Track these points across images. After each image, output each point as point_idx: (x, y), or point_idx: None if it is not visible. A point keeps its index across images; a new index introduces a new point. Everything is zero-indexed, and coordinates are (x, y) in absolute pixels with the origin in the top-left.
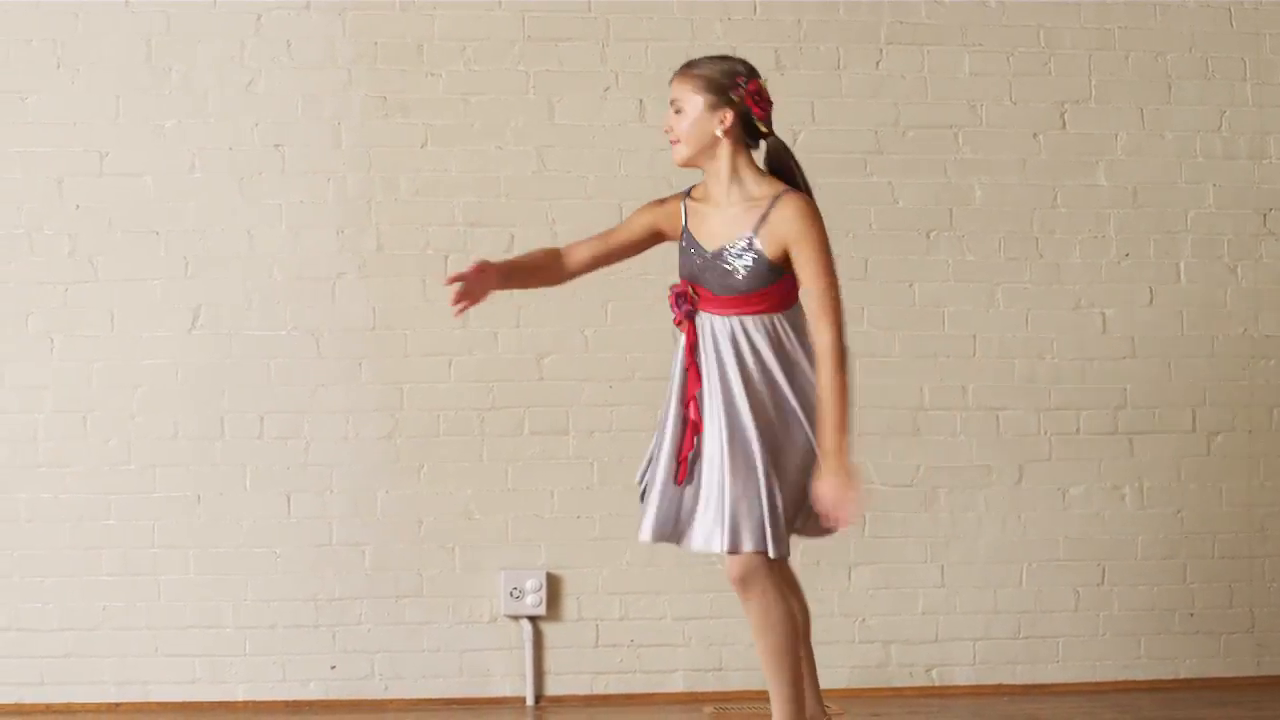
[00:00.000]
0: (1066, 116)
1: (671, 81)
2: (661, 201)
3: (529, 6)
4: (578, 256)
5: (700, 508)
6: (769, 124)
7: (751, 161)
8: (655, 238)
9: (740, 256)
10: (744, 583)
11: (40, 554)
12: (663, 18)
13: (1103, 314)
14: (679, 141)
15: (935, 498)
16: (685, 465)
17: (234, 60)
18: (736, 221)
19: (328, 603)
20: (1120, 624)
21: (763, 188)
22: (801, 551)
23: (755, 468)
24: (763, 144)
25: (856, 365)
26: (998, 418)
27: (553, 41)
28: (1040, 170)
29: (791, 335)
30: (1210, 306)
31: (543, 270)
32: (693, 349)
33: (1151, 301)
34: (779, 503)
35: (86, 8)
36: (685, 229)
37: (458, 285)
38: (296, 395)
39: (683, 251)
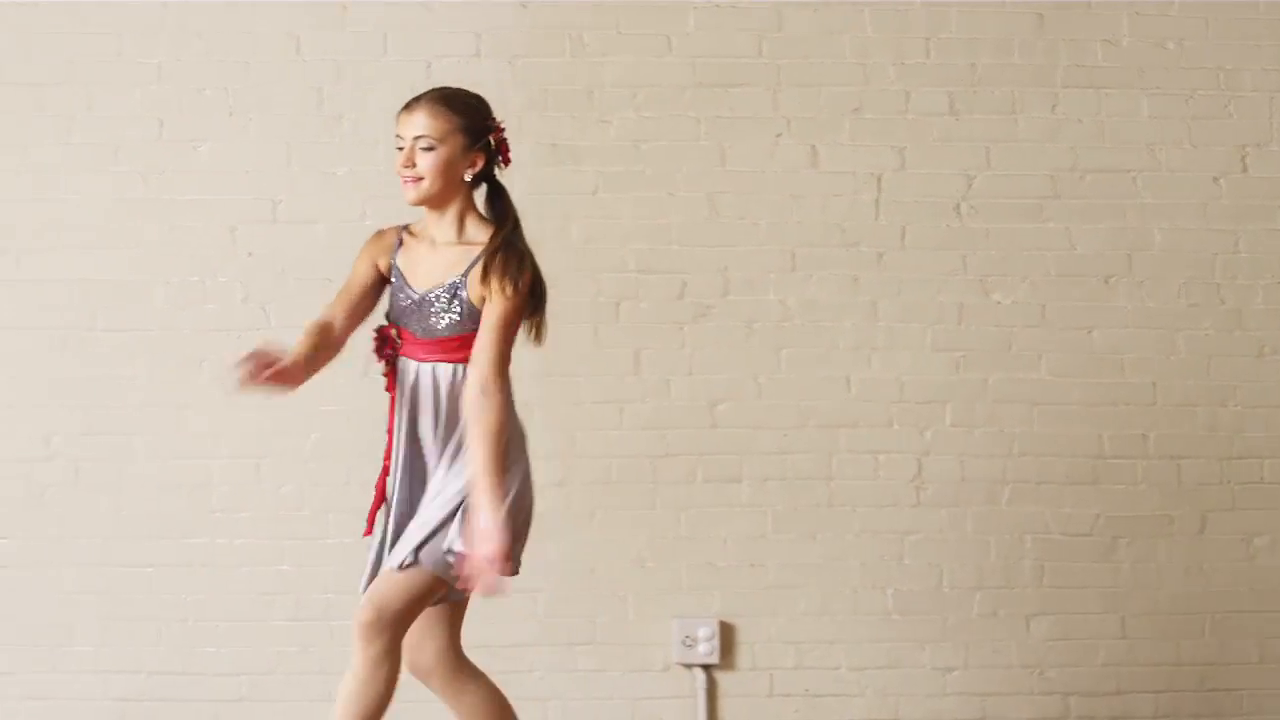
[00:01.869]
0: (1248, 160)
1: (416, 111)
2: (380, 234)
3: (700, 52)
4: (339, 321)
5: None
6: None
7: (474, 204)
8: (377, 283)
9: (447, 302)
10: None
11: (214, 598)
12: (834, 63)
13: None
14: (422, 179)
15: (1115, 547)
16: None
17: None
18: (450, 265)
19: (500, 649)
20: None
21: (482, 232)
22: (980, 601)
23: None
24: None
25: (1035, 412)
26: (1179, 466)
27: (723, 87)
28: (1221, 214)
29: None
30: None
31: (323, 350)
32: (391, 389)
33: None
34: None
35: (258, 57)
36: (395, 266)
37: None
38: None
39: (391, 290)
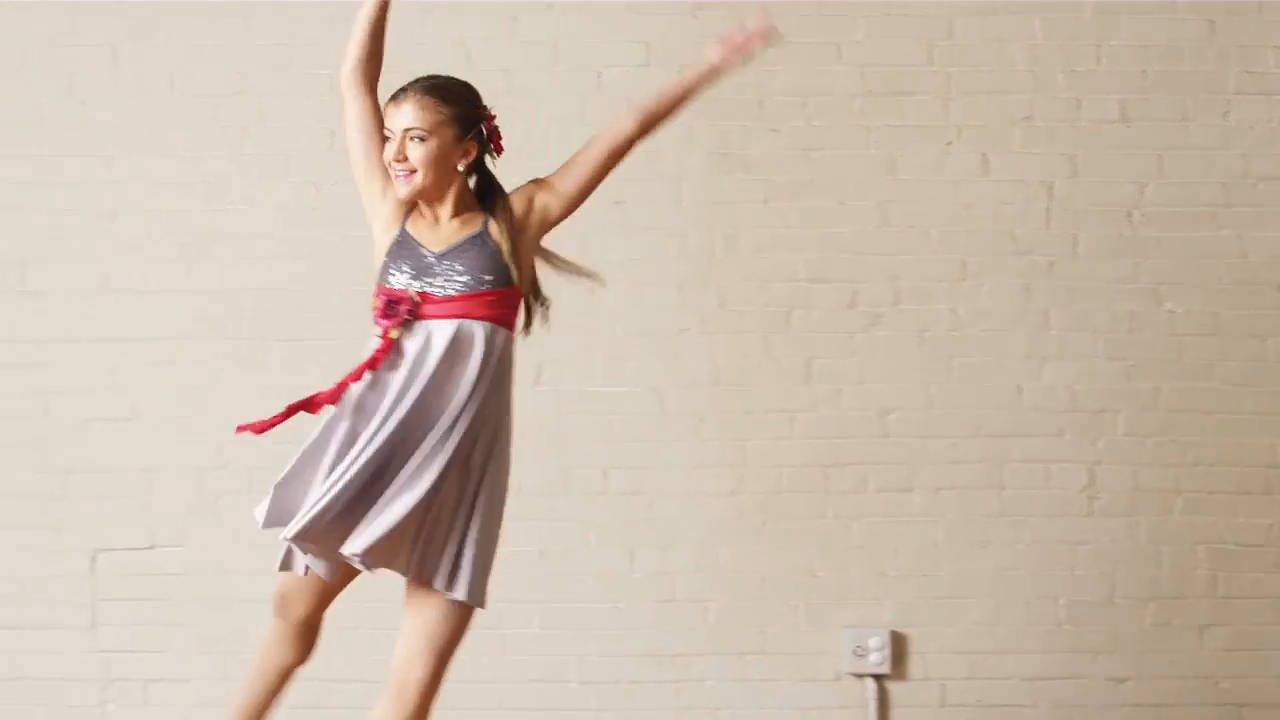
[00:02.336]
0: None
1: (404, 102)
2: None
3: (870, 60)
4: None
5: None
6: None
7: (470, 191)
8: (375, 134)
9: (476, 253)
10: None
11: (388, 606)
12: (1005, 70)
13: None
14: (415, 173)
15: None
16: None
17: (575, 117)
18: (461, 228)
19: (670, 659)
20: None
21: (476, 214)
22: (1153, 611)
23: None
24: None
25: (1208, 421)
26: None
27: (894, 95)
28: None
29: (505, 361)
30: None
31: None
32: (378, 360)
33: None
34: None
35: (429, 67)
36: (404, 228)
37: None
38: (639, 451)
39: (400, 252)
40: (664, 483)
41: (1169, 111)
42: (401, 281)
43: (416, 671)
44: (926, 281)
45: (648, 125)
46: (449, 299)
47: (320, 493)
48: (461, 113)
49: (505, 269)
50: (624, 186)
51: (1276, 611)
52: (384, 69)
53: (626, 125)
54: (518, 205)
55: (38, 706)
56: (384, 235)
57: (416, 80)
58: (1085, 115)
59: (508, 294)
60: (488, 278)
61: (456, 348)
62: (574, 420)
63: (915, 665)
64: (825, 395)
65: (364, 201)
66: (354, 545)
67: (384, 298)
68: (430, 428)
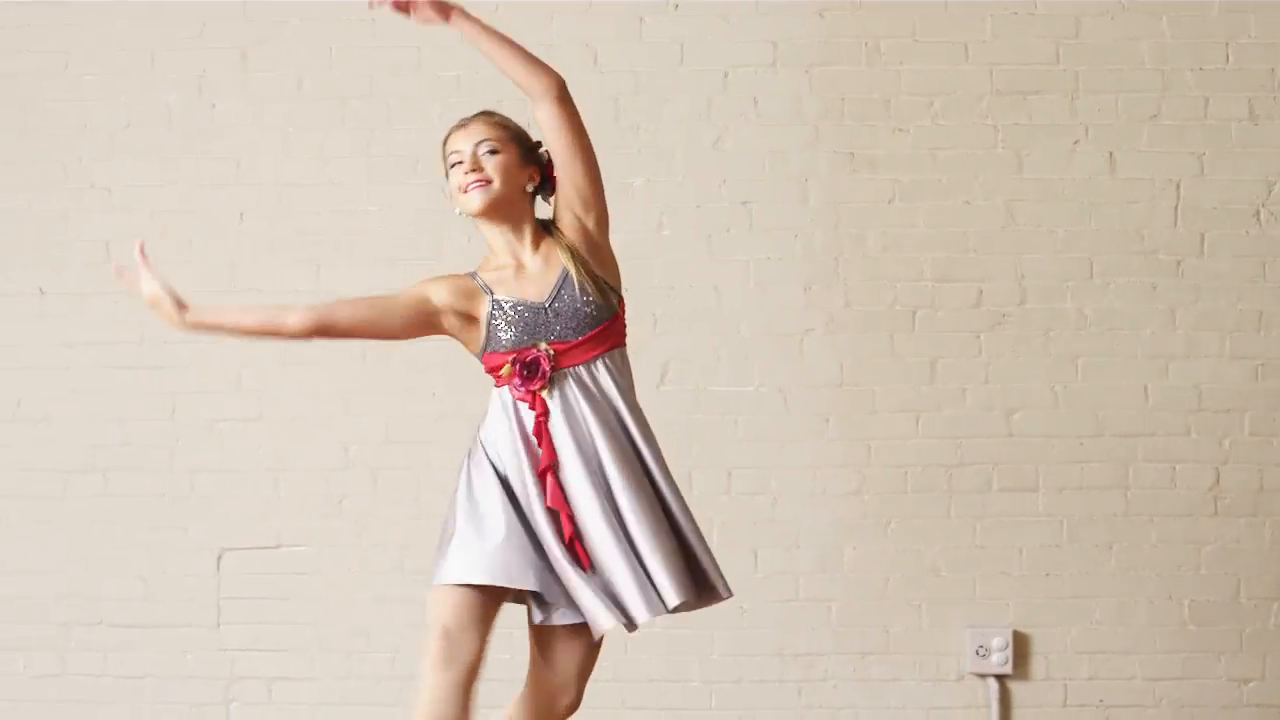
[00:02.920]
0: None
1: (471, 124)
2: (442, 278)
3: (997, 60)
4: (333, 328)
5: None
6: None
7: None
8: (427, 316)
9: (574, 293)
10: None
11: (507, 605)
12: (1133, 69)
13: None
14: (491, 182)
15: None
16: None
17: (701, 118)
18: (547, 268)
19: (793, 658)
20: None
21: (549, 250)
22: (1277, 611)
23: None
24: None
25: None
26: None
27: (1021, 94)
28: None
29: (629, 373)
30: None
31: (261, 326)
32: (545, 422)
33: None
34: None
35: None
36: (495, 299)
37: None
38: (764, 451)
39: (508, 321)
40: (788, 483)
41: None
42: (519, 341)
43: (566, 699)
44: (1052, 280)
45: (528, 80)
46: (578, 343)
47: (620, 567)
48: (522, 136)
49: (609, 291)
50: (749, 186)
51: None
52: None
53: (527, 90)
54: (569, 224)
55: (163, 705)
56: (472, 314)
57: (475, 114)
58: (1213, 114)
59: (620, 313)
60: (603, 310)
61: (600, 385)
62: (698, 420)
63: (1038, 665)
64: (950, 395)
65: (421, 331)
66: (675, 599)
67: (518, 362)
68: (620, 465)
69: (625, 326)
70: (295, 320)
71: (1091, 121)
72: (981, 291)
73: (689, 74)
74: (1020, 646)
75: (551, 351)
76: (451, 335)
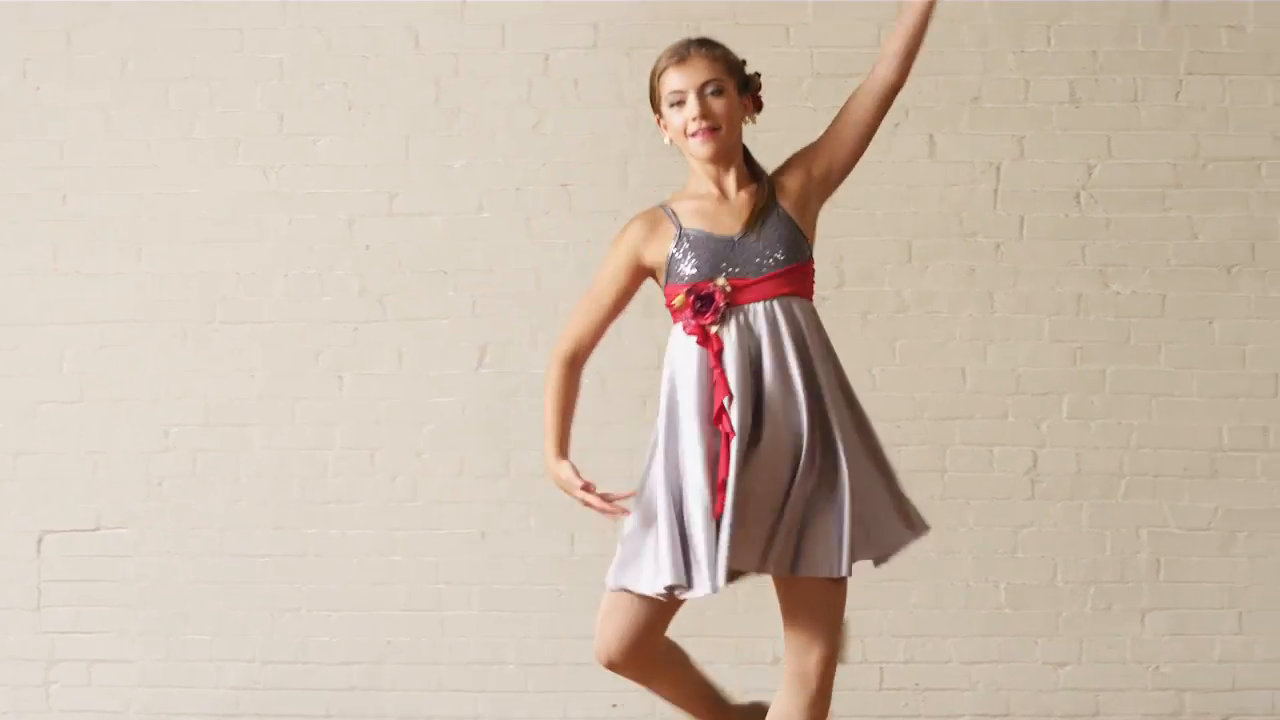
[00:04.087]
0: None
1: (691, 60)
2: (644, 222)
3: (818, 42)
4: (586, 345)
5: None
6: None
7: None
8: (639, 272)
9: (775, 231)
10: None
11: (327, 588)
12: (953, 52)
13: None
14: (719, 129)
15: (1233, 541)
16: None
17: (522, 100)
18: (749, 202)
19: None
20: None
21: (754, 185)
22: (1094, 595)
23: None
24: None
25: (1154, 404)
26: None
27: (842, 77)
28: None
29: (823, 330)
30: None
31: (575, 396)
32: (720, 355)
33: None
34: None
35: (376, 51)
36: (683, 231)
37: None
38: (582, 433)
39: (693, 253)
40: (606, 465)
41: (1119, 92)
42: (699, 275)
43: (814, 654)
44: (871, 263)
45: (904, 63)
46: (757, 281)
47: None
48: (737, 64)
49: (804, 242)
50: (569, 169)
51: (1218, 596)
52: (366, 56)
53: (884, 71)
54: (797, 175)
55: None
56: (661, 249)
57: (687, 40)
58: (1034, 96)
59: (810, 267)
60: (793, 253)
61: (776, 327)
62: (517, 403)
63: (854, 648)
64: None
65: (637, 281)
66: (787, 569)
67: (693, 294)
68: (787, 421)
69: (813, 284)
70: (570, 372)
71: (912, 104)
72: None
73: (510, 56)
74: None
75: (729, 287)
76: (653, 271)
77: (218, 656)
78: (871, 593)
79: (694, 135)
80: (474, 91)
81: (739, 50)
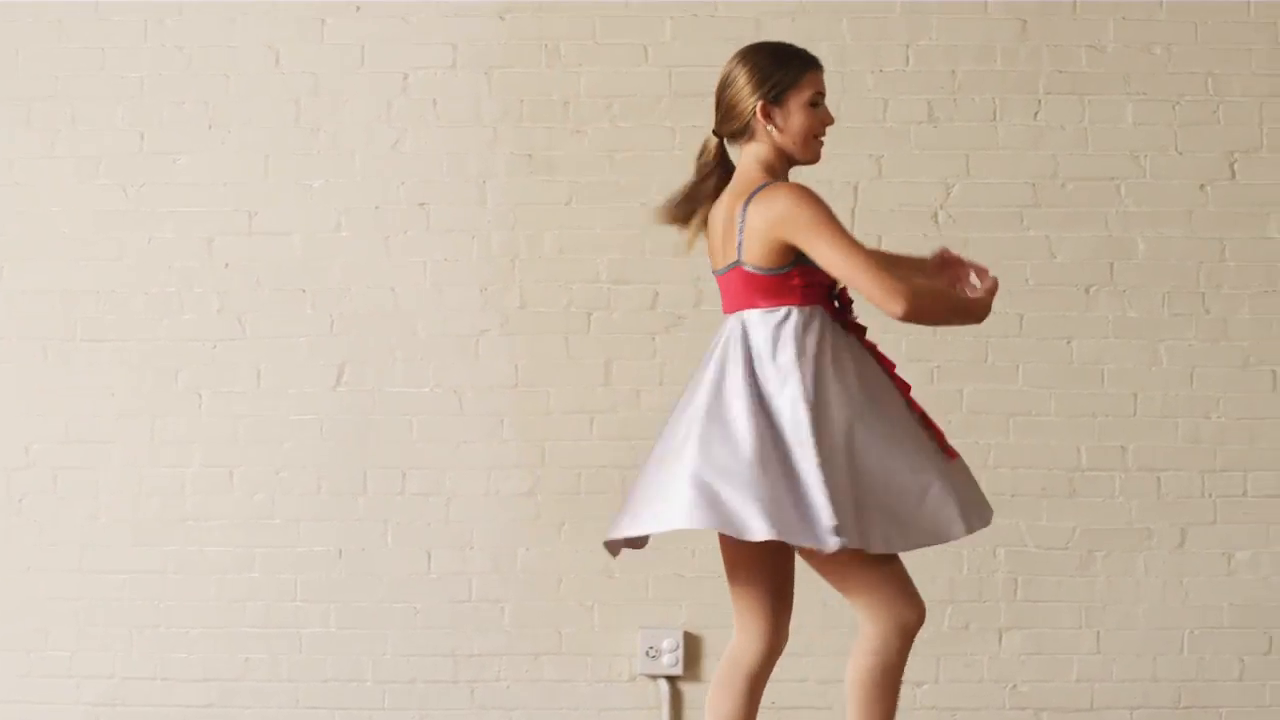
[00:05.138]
0: (1236, 166)
1: (820, 72)
2: (822, 199)
3: (677, 61)
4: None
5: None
6: None
7: None
8: None
9: None
10: None
11: (185, 606)
12: None
13: (1273, 372)
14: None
15: (1091, 561)
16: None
17: (381, 120)
18: None
19: (466, 659)
20: None
21: None
22: (952, 614)
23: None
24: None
25: (1011, 423)
26: (1159, 479)
27: (700, 96)
28: (1207, 222)
29: None
30: None
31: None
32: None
33: None
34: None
35: (237, 69)
36: None
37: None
38: (438, 452)
39: None
40: (462, 484)
41: (978, 112)
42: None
43: (866, 626)
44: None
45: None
46: None
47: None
48: None
49: None
50: (428, 188)
51: (1076, 615)
52: (226, 75)
53: (889, 311)
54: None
55: None
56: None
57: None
58: (892, 116)
59: None
60: None
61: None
62: (374, 420)
63: (710, 667)
64: (625, 397)
65: None
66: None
67: (844, 298)
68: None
69: None
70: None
71: None
72: (657, 294)
73: (369, 75)
74: (692, 648)
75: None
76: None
77: (77, 673)
78: (728, 611)
79: (817, 138)
80: (333, 110)
81: (596, 70)
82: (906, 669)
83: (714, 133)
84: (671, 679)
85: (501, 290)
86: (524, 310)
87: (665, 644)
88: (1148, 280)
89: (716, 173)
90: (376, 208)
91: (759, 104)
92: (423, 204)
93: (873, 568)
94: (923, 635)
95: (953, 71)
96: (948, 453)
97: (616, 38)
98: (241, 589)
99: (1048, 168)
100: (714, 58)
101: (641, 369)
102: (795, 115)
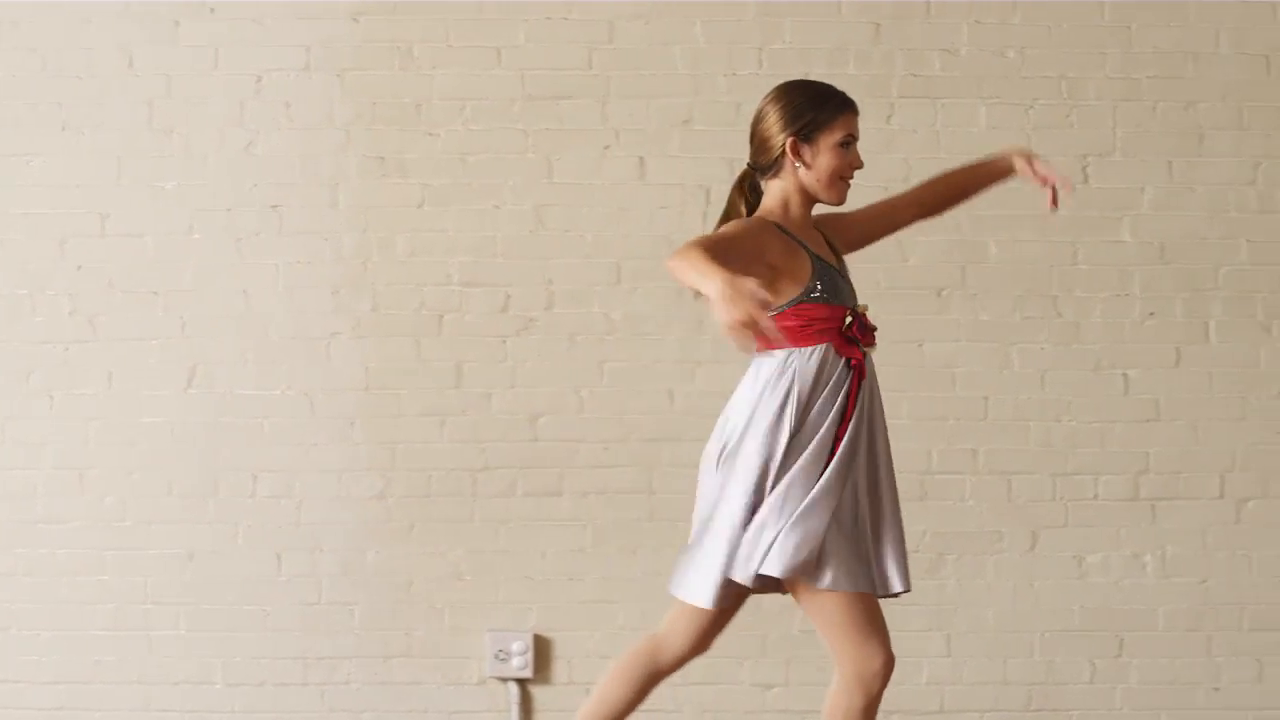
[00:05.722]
0: (1089, 170)
1: (858, 114)
2: (767, 232)
3: (529, 64)
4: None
5: (886, 549)
6: None
7: None
8: (750, 270)
9: (846, 269)
10: None
11: (35, 608)
12: (665, 74)
13: (1125, 375)
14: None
15: (942, 564)
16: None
17: (233, 122)
18: (826, 246)
19: (316, 661)
20: (1139, 698)
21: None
22: (800, 617)
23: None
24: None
25: None
26: (1010, 482)
27: (553, 99)
28: (1060, 226)
29: None
30: (1242, 367)
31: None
32: (861, 379)
33: (1178, 362)
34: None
35: (91, 71)
36: (812, 253)
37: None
38: (289, 454)
39: (828, 278)
40: (313, 486)
41: None
42: (837, 299)
43: (841, 667)
44: (580, 285)
45: (943, 209)
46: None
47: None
48: None
49: None
50: (280, 191)
51: (926, 618)
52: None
53: (923, 213)
54: (835, 234)
55: None
56: (790, 263)
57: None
58: (745, 119)
59: None
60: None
61: (872, 361)
62: (225, 423)
63: (560, 669)
64: (475, 399)
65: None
66: (902, 586)
67: (856, 319)
68: (884, 443)
69: None
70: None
71: (623, 126)
72: (509, 296)
73: (223, 78)
74: (542, 651)
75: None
76: (773, 263)
77: None
78: (578, 614)
79: (844, 179)
80: (186, 112)
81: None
82: (757, 670)
83: (748, 165)
84: (521, 682)
85: (353, 293)
86: (375, 313)
87: (515, 647)
88: (1000, 284)
89: (743, 201)
90: (229, 210)
91: (789, 140)
92: (275, 206)
93: (826, 611)
94: (773, 637)
95: (806, 74)
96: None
97: (469, 40)
98: (92, 591)
99: (900, 171)
100: (567, 60)
101: (492, 372)
102: (824, 155)
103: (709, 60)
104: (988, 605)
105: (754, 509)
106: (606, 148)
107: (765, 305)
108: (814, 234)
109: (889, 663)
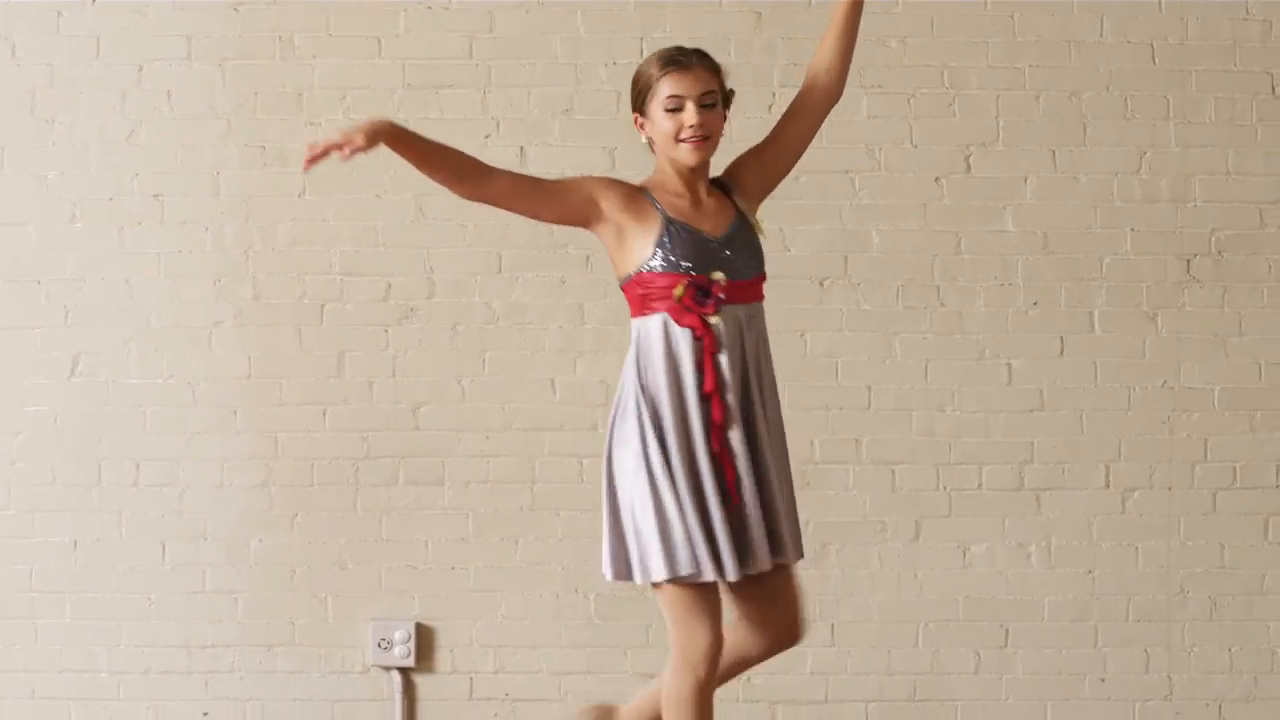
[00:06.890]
0: (971, 160)
1: (693, 70)
2: (615, 184)
3: (410, 54)
4: (497, 180)
5: (765, 521)
6: None
7: None
8: (586, 216)
9: (745, 239)
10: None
11: None
12: (545, 64)
13: (1009, 365)
14: (709, 138)
15: (825, 554)
16: (734, 486)
17: (115, 111)
18: (723, 208)
19: (200, 649)
20: (1025, 688)
21: (719, 192)
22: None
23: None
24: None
25: None
26: (893, 472)
27: (433, 89)
28: (943, 215)
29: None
30: (1127, 357)
31: (454, 170)
32: (712, 353)
33: (1062, 352)
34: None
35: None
36: (670, 220)
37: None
38: (172, 443)
39: (682, 240)
40: (196, 475)
41: None
42: (693, 267)
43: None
44: (461, 274)
45: (845, 73)
46: (745, 284)
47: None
48: (725, 83)
49: (761, 251)
50: (162, 180)
51: (810, 608)
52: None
53: (827, 82)
54: (748, 186)
55: None
56: (637, 228)
57: (687, 49)
58: (625, 108)
59: (764, 274)
60: (762, 262)
61: (756, 329)
62: (108, 412)
63: (443, 658)
64: (357, 388)
65: (571, 223)
66: (792, 557)
67: (693, 285)
68: (765, 414)
69: None
70: (471, 174)
71: (503, 116)
72: (390, 285)
73: (105, 67)
74: (425, 639)
75: (725, 282)
76: (599, 238)
77: None
78: (460, 603)
79: (685, 141)
80: (68, 101)
81: (329, 62)
82: (640, 659)
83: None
84: (404, 670)
85: (234, 282)
86: (257, 302)
87: (397, 635)
88: (882, 273)
89: None
90: (111, 199)
91: (634, 118)
92: (157, 195)
93: (659, 595)
94: (655, 627)
95: None
96: (732, 498)
97: (350, 30)
98: None
99: None
100: (447, 50)
101: (374, 361)
102: (657, 121)
103: (590, 49)
104: (872, 595)
105: (612, 498)
106: (487, 137)
107: (359, 147)
108: (710, 200)
109: (715, 643)
